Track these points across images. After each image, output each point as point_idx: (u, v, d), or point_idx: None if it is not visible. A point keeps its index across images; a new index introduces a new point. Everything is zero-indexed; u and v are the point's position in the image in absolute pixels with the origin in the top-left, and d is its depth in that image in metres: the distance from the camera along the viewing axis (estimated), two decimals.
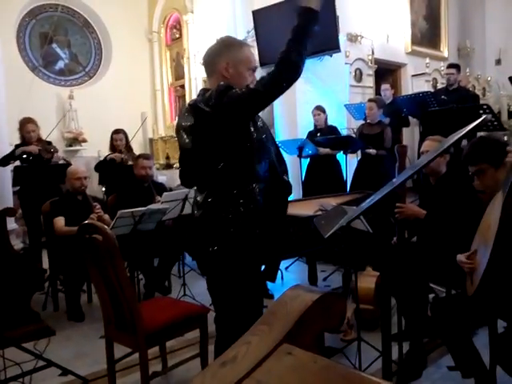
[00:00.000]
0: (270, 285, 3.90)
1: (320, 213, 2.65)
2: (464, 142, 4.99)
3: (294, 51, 1.55)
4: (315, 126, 5.44)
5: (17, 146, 4.59)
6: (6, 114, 5.30)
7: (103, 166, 4.91)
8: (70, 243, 3.27)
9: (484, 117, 1.50)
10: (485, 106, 4.50)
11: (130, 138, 5.12)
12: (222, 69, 1.76)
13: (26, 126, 4.59)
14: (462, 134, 1.48)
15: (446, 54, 8.40)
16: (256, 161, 1.73)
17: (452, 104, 4.71)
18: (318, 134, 5.27)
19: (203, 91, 1.81)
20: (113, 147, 4.95)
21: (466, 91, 5.86)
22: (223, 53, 1.78)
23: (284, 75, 1.56)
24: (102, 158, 5.32)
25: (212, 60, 1.80)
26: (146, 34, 8.45)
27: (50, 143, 4.83)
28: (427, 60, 7.40)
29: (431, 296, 2.74)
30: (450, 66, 5.82)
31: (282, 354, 0.82)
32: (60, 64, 7.93)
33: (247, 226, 1.71)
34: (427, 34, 8.24)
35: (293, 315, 0.89)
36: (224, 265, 1.73)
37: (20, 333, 2.68)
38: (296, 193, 5.18)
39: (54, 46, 7.87)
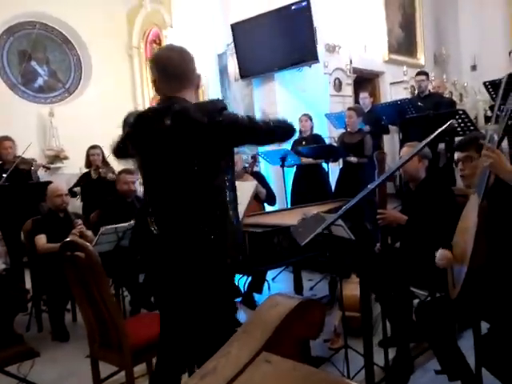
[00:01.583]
0: (257, 296, 3.89)
1: None
2: (441, 146, 5.10)
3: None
4: (301, 132, 5.42)
5: None
6: None
7: (73, 195, 4.87)
8: (53, 262, 3.22)
9: (450, 122, 1.55)
10: (460, 112, 4.59)
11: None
12: (198, 80, 1.68)
13: (3, 143, 4.65)
14: (429, 139, 1.53)
15: (422, 62, 8.57)
16: (230, 196, 1.68)
17: (428, 110, 4.80)
18: (303, 143, 5.30)
19: (175, 100, 1.63)
20: (89, 163, 5.00)
21: (440, 97, 5.94)
22: (194, 64, 1.67)
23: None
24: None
25: (188, 68, 1.65)
26: (126, 50, 8.44)
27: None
28: (404, 68, 7.54)
29: (415, 301, 2.76)
30: (419, 73, 5.91)
31: (261, 362, 0.82)
32: (39, 81, 7.85)
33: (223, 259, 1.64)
34: (404, 43, 8.42)
35: (271, 323, 0.89)
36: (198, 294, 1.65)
37: (3, 356, 2.61)
38: (280, 202, 5.19)
39: (33, 63, 7.80)
